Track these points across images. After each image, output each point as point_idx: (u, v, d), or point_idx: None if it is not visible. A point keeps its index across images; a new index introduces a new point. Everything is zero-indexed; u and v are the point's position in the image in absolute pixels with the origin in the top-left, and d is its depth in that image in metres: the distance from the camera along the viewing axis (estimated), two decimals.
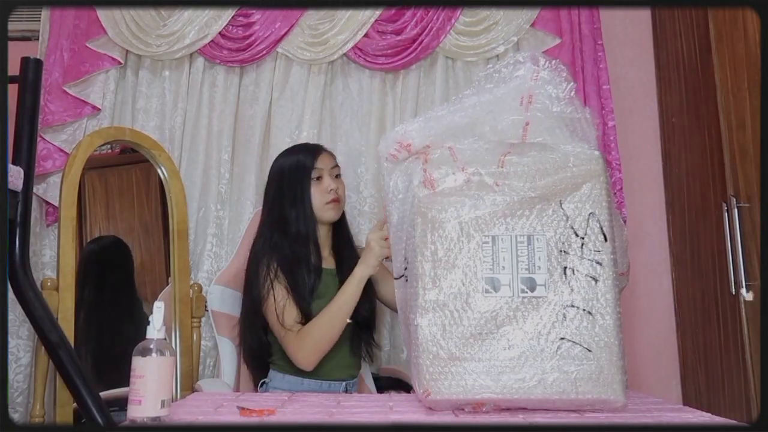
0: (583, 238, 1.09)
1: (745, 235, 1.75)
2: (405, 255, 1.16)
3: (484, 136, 1.17)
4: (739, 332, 1.76)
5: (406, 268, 1.16)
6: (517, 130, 1.16)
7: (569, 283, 1.08)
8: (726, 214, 1.80)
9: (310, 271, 1.55)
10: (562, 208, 1.10)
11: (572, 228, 1.10)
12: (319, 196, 1.59)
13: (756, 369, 1.70)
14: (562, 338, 1.06)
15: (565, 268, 1.09)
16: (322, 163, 1.61)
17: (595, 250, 1.09)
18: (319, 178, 1.60)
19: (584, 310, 1.07)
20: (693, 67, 2.03)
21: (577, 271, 1.08)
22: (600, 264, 1.09)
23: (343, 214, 1.68)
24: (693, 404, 1.94)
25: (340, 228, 1.69)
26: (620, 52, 2.31)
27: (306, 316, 1.49)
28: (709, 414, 1.07)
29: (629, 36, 2.34)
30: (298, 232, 1.57)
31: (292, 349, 1.47)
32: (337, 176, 1.66)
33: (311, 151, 1.63)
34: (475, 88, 1.23)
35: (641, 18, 2.35)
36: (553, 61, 1.20)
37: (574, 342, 1.06)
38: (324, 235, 1.65)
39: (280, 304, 1.49)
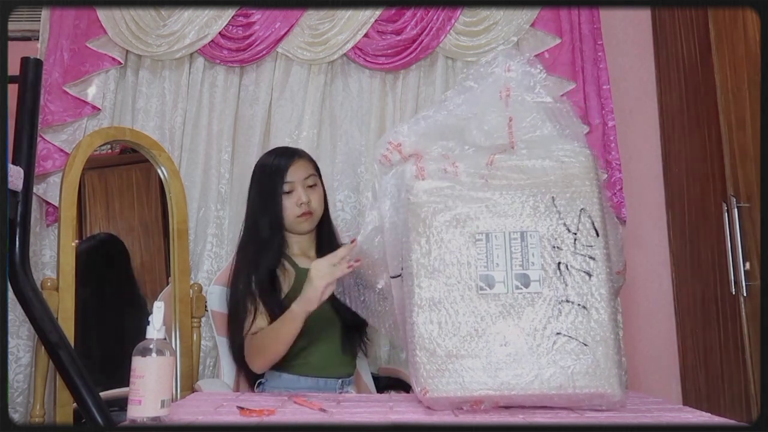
0: (575, 234, 1.10)
1: (745, 235, 1.75)
2: (401, 254, 1.16)
3: (473, 139, 1.17)
4: (739, 332, 1.76)
5: (402, 268, 1.15)
6: (503, 129, 1.16)
7: (563, 279, 1.08)
8: (726, 214, 1.80)
9: (276, 277, 1.55)
10: (555, 205, 1.11)
11: (564, 224, 1.10)
12: (290, 210, 1.58)
13: (756, 369, 1.70)
14: (558, 333, 1.06)
15: (559, 263, 1.09)
16: (293, 176, 1.58)
17: (587, 246, 1.10)
18: (289, 192, 1.58)
19: (579, 305, 1.07)
20: (693, 67, 2.03)
21: (571, 266, 1.09)
22: (593, 259, 1.09)
23: (328, 216, 1.69)
24: (693, 404, 1.94)
25: (324, 230, 1.69)
26: (620, 52, 2.31)
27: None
28: (709, 414, 1.07)
29: (629, 36, 2.34)
30: (266, 240, 1.57)
31: (246, 354, 1.49)
32: (313, 186, 1.63)
33: (284, 162, 1.60)
34: (456, 88, 1.26)
35: (641, 18, 2.35)
36: (525, 55, 1.22)
37: (570, 337, 1.06)
38: (308, 238, 1.66)
39: (248, 312, 1.50)
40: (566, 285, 1.08)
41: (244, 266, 1.56)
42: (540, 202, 1.11)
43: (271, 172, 1.59)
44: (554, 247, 1.09)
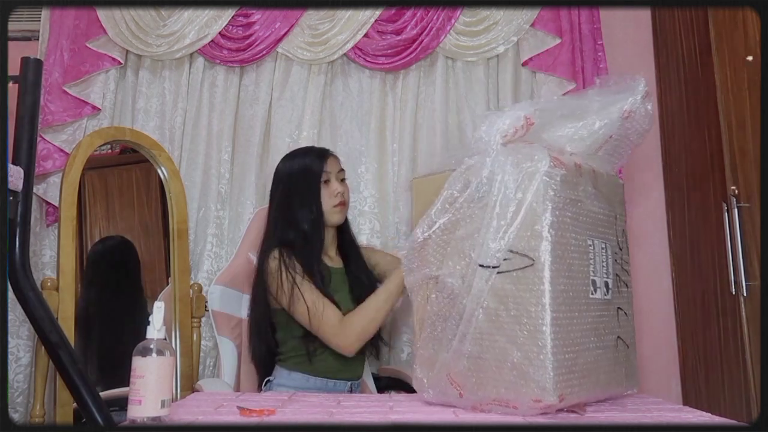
0: (621, 249, 1.22)
1: (745, 235, 1.75)
2: (509, 245, 1.06)
3: (587, 128, 1.18)
4: (739, 332, 1.76)
5: (505, 260, 1.06)
6: (602, 139, 1.20)
7: (618, 288, 1.19)
8: (726, 214, 1.80)
9: (321, 271, 1.57)
10: (617, 222, 1.22)
11: (618, 241, 1.22)
12: (327, 200, 1.61)
13: (756, 369, 1.70)
14: (618, 337, 1.16)
15: (616, 274, 1.19)
16: (330, 167, 1.63)
17: (625, 261, 1.23)
18: (326, 182, 1.62)
19: (624, 312, 1.21)
20: (693, 67, 2.03)
21: (620, 276, 1.20)
22: (627, 273, 1.24)
23: (346, 217, 1.71)
24: (693, 404, 1.94)
25: (345, 229, 1.72)
26: (620, 52, 2.31)
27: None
28: (709, 414, 1.07)
29: (629, 36, 2.34)
30: (309, 232, 1.58)
31: (335, 337, 1.48)
32: (343, 180, 1.68)
33: (320, 155, 1.65)
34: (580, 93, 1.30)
35: (641, 18, 2.35)
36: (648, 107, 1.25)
37: (623, 341, 1.18)
38: (330, 237, 1.68)
39: (318, 306, 1.49)
40: (619, 293, 1.19)
41: (285, 257, 1.54)
42: (612, 218, 1.21)
43: (307, 166, 1.63)
44: (614, 260, 1.19)
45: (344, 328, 1.47)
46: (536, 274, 1.02)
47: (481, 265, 1.08)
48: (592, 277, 1.11)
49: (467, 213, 1.12)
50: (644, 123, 1.22)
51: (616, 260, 1.19)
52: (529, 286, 1.03)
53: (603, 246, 1.15)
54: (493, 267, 1.06)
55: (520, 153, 1.08)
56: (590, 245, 1.12)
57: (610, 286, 1.16)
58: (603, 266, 1.15)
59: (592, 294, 1.11)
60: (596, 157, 1.22)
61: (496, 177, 1.08)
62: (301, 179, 1.62)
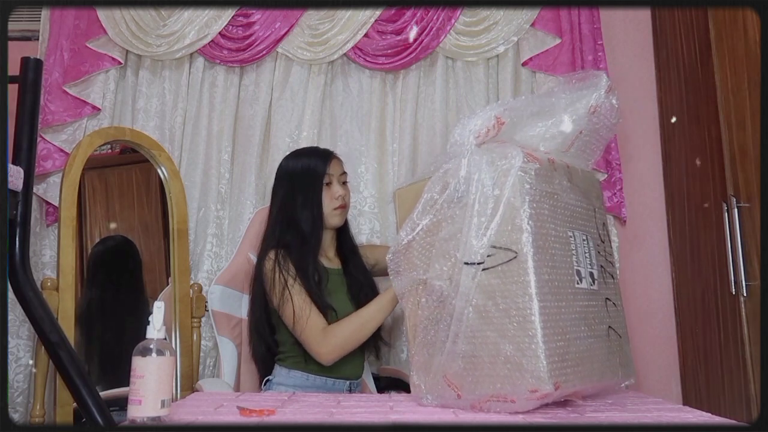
0: (603, 242, 1.24)
1: (745, 235, 1.75)
2: (491, 241, 1.07)
3: (557, 126, 1.20)
4: (739, 332, 1.76)
5: (489, 256, 1.07)
6: (573, 135, 1.21)
7: (604, 279, 1.20)
8: (726, 214, 1.80)
9: (317, 271, 1.57)
10: (596, 216, 1.23)
11: (599, 233, 1.23)
12: (327, 202, 1.62)
13: (756, 369, 1.70)
14: (610, 327, 1.17)
15: (601, 265, 1.21)
16: (332, 170, 1.64)
17: (608, 253, 1.25)
18: (328, 184, 1.63)
19: (613, 303, 1.22)
20: (693, 67, 2.03)
21: (604, 268, 1.22)
22: (612, 265, 1.26)
23: (346, 218, 1.71)
24: (693, 404, 1.94)
25: (344, 231, 1.73)
26: (620, 52, 2.31)
27: (325, 317, 1.51)
28: (709, 414, 1.07)
29: (629, 36, 2.34)
30: (308, 233, 1.58)
31: (315, 344, 1.48)
32: (345, 183, 1.68)
33: (323, 157, 1.65)
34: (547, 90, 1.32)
35: (641, 18, 2.35)
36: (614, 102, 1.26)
37: (615, 330, 1.19)
38: (329, 238, 1.69)
39: (305, 311, 1.49)
40: (606, 284, 1.20)
41: (280, 259, 1.54)
42: (591, 211, 1.22)
43: (311, 167, 1.63)
44: (597, 251, 1.20)
45: (325, 338, 1.47)
46: (520, 266, 1.04)
47: (466, 263, 1.09)
48: (576, 268, 1.12)
49: (448, 214, 1.14)
50: (611, 117, 1.24)
51: (599, 252, 1.21)
52: (514, 279, 1.04)
53: (584, 238, 1.17)
54: (478, 263, 1.08)
55: (494, 152, 1.11)
56: (571, 236, 1.13)
57: (596, 276, 1.17)
58: (586, 257, 1.16)
59: (578, 284, 1.12)
60: (569, 153, 1.23)
61: (472, 176, 1.10)
62: (304, 180, 1.62)
